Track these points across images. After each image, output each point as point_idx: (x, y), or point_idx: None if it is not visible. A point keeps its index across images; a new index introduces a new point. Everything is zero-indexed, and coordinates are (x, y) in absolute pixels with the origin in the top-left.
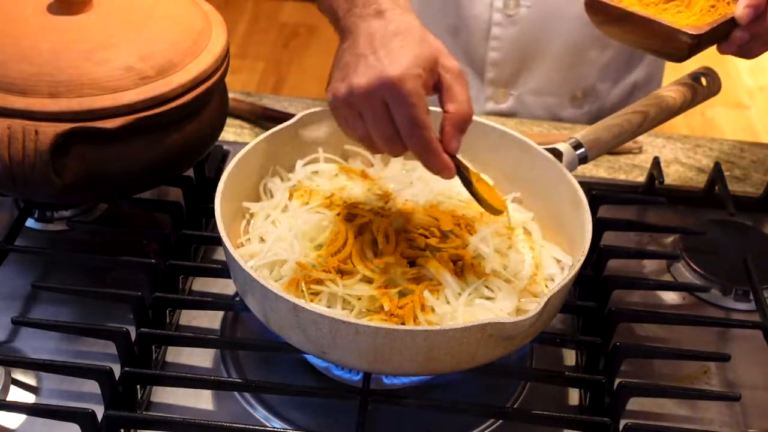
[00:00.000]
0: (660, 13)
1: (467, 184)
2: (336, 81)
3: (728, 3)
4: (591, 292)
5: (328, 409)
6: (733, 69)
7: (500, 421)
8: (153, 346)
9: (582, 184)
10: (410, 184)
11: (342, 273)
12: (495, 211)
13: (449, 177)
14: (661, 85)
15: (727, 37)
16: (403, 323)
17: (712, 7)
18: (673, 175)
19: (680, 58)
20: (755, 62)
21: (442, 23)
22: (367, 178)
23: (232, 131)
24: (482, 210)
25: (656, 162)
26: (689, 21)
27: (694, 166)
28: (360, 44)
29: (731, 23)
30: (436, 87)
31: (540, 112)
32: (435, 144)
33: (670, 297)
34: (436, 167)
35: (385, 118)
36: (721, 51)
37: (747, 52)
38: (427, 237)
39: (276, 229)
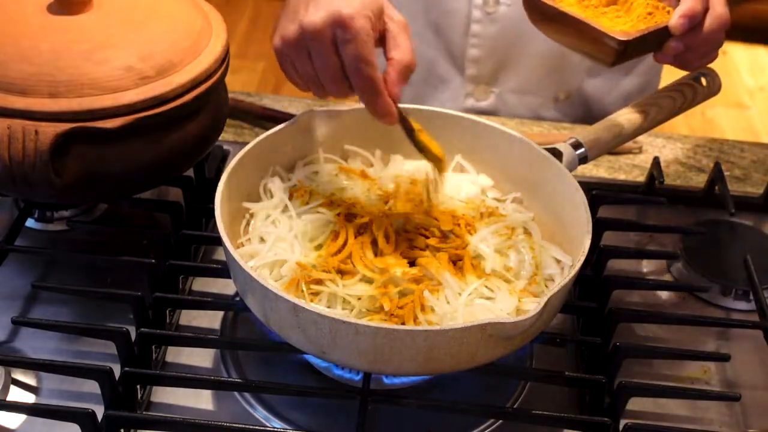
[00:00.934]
0: (598, 16)
1: (409, 132)
2: (284, 24)
3: (667, 11)
4: (591, 292)
5: (328, 409)
6: (733, 69)
7: (500, 421)
8: (153, 346)
9: (582, 184)
10: (410, 184)
11: (342, 273)
12: (436, 160)
13: (392, 122)
14: None
15: (661, 46)
16: (403, 323)
17: (649, 14)
18: (673, 175)
19: (609, 63)
20: (755, 62)
21: (425, 18)
22: (367, 178)
23: (232, 131)
24: (481, 210)
25: (656, 162)
26: (624, 27)
27: (694, 166)
28: None
29: (665, 32)
30: (381, 38)
31: (522, 111)
32: (380, 84)
33: (670, 297)
34: (380, 109)
35: (334, 56)
36: (657, 60)
37: (684, 63)
38: (427, 237)
39: (276, 229)
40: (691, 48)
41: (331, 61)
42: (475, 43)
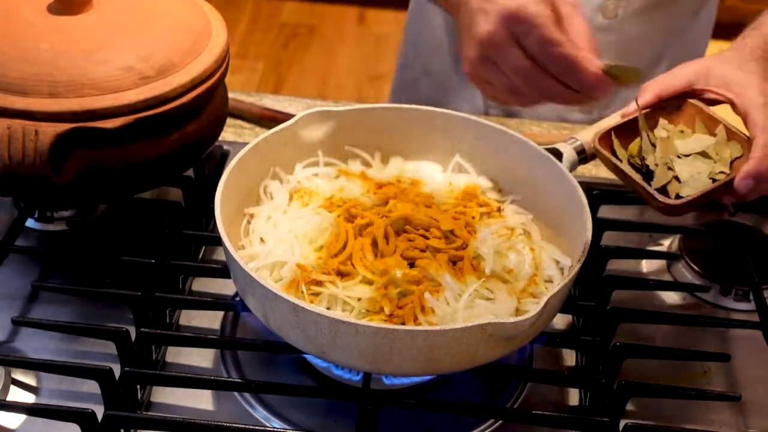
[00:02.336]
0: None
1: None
2: (465, 48)
3: (739, 144)
4: (591, 292)
5: (328, 409)
6: None
7: (500, 421)
8: (153, 346)
9: (582, 184)
10: (410, 184)
11: (342, 274)
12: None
13: (607, 90)
14: None
15: (720, 194)
16: (403, 324)
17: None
18: None
19: (664, 214)
20: None
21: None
22: (367, 180)
23: (232, 131)
24: (481, 210)
25: None
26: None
27: None
28: (472, 2)
29: (727, 186)
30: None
31: (547, 112)
32: (578, 57)
33: (670, 297)
34: (589, 81)
35: (520, 54)
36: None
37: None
38: (427, 238)
39: (276, 230)
40: (746, 198)
41: (520, 62)
42: None
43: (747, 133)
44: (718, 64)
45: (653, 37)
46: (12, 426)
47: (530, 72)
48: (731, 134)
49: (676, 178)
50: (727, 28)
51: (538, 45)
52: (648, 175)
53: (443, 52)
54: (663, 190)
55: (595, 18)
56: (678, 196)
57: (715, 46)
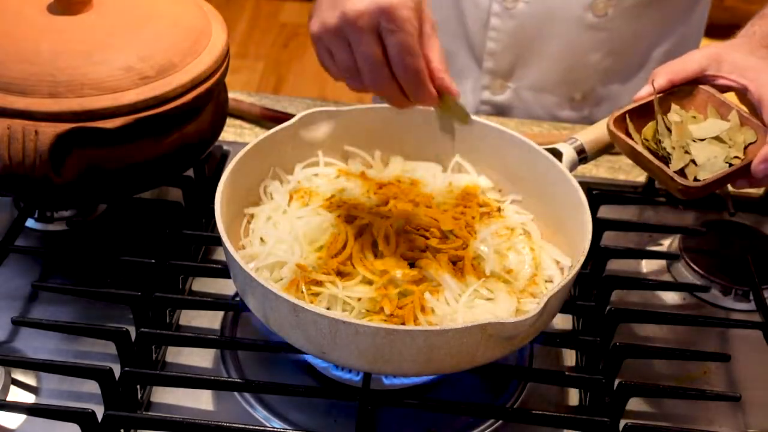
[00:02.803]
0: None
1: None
2: (324, 11)
3: (753, 132)
4: (591, 292)
5: (328, 409)
6: None
7: (500, 421)
8: (153, 346)
9: (582, 184)
10: (410, 184)
11: (342, 275)
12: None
13: (434, 103)
14: None
15: (734, 179)
16: (403, 324)
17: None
18: None
19: (680, 197)
20: None
21: (449, 8)
22: (367, 180)
23: (232, 131)
24: (481, 210)
25: None
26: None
27: None
28: None
29: (743, 170)
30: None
31: (537, 109)
32: (425, 74)
33: (670, 297)
34: (424, 97)
35: (377, 46)
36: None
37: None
38: (427, 238)
39: (276, 231)
40: (761, 184)
41: (372, 51)
42: (493, 37)
43: (757, 120)
44: (729, 51)
45: (644, 35)
46: (12, 426)
47: (377, 64)
48: (744, 120)
49: (693, 162)
50: (726, 29)
51: (398, 47)
52: (663, 159)
53: None
54: (680, 173)
55: (584, 16)
56: (696, 180)
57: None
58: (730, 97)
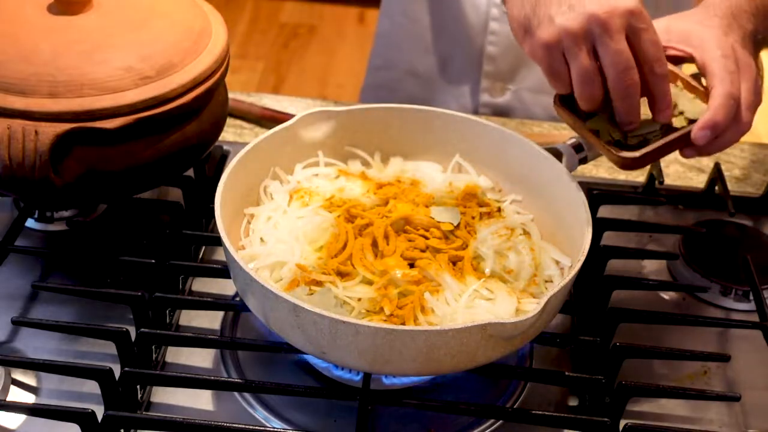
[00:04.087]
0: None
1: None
2: (559, 15)
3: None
4: (591, 292)
5: (328, 409)
6: None
7: (500, 421)
8: (153, 346)
9: (582, 184)
10: (410, 184)
11: (342, 275)
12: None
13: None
14: None
15: (680, 146)
16: (403, 324)
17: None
18: (673, 175)
19: (621, 168)
20: None
21: (447, 12)
22: (367, 180)
23: (232, 131)
24: (481, 210)
25: (656, 162)
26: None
27: (694, 166)
28: None
29: (685, 138)
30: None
31: (538, 110)
32: (638, 87)
33: (670, 297)
34: (634, 114)
35: (627, 45)
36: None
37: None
38: (427, 238)
39: (276, 231)
40: (707, 151)
41: (626, 51)
42: (493, 41)
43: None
44: (678, 21)
45: None
46: (12, 426)
47: (630, 65)
48: (691, 88)
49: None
50: None
51: (654, 46)
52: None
53: (430, 51)
54: (625, 145)
55: None
56: (633, 150)
57: None
58: (692, 69)
